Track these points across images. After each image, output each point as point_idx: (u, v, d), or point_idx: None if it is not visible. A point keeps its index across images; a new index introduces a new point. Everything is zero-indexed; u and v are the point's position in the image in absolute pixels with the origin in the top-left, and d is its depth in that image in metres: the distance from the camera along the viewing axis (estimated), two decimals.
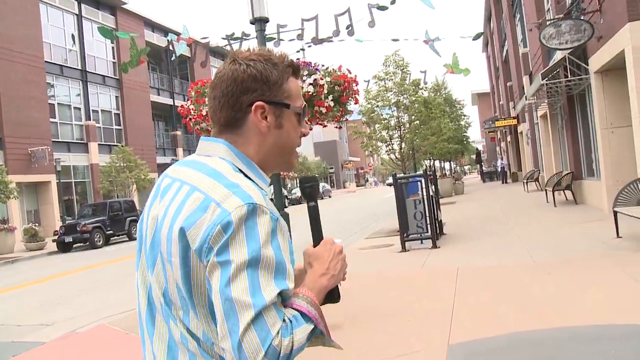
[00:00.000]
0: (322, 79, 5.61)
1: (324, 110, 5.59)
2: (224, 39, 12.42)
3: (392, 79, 18.15)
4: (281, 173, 56.83)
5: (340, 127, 7.49)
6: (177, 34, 10.99)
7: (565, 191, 16.37)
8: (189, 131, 47.80)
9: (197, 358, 1.28)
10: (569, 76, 14.42)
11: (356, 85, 6.17)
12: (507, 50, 35.22)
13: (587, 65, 13.01)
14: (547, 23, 11.69)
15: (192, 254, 1.22)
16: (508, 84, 36.48)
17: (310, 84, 5.51)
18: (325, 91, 5.55)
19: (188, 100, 6.69)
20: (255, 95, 1.36)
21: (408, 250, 10.75)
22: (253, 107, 1.36)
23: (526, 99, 17.33)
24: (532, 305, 5.76)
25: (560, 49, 11.78)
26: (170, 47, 11.63)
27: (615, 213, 9.07)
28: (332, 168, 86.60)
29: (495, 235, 11.35)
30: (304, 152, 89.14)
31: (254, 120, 1.37)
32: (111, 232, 23.65)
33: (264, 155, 1.40)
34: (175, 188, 1.32)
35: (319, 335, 1.29)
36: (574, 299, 5.84)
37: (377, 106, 18.15)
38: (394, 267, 9.22)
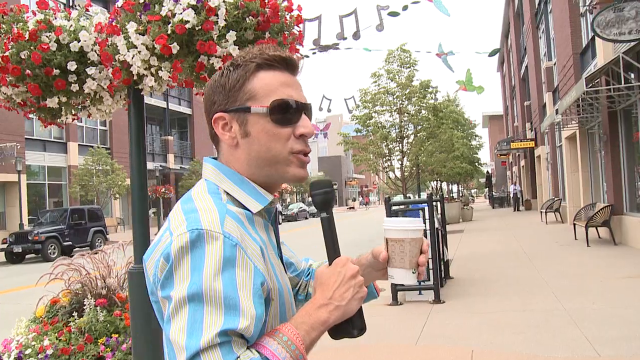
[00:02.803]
0: None
1: (217, 62, 2.69)
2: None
3: (395, 79, 15.10)
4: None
5: None
6: None
7: (598, 227, 13.37)
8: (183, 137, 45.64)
9: None
10: (617, 84, 11.47)
11: (298, 24, 3.17)
12: (526, 67, 32.44)
13: None
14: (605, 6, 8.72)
15: (154, 287, 1.13)
16: (525, 104, 33.65)
17: (189, 5, 2.60)
18: (222, 22, 2.63)
19: None
20: (215, 107, 1.25)
21: (401, 304, 7.83)
22: (212, 120, 1.25)
23: (556, 114, 14.36)
24: None
25: (620, 41, 8.89)
26: None
27: None
28: (336, 184, 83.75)
29: (520, 287, 8.36)
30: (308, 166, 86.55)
31: (218, 134, 1.25)
32: (70, 243, 20.72)
33: (247, 170, 1.24)
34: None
35: None
36: None
37: (375, 111, 15.15)
38: (376, 336, 6.22)
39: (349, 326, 1.17)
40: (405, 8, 10.67)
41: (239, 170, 1.24)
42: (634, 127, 12.72)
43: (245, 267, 1.07)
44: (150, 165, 37.48)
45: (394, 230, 1.28)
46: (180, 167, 41.48)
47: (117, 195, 28.57)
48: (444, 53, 11.97)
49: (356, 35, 11.38)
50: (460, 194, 39.61)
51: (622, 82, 10.34)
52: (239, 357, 1.00)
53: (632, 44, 10.64)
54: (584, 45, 16.66)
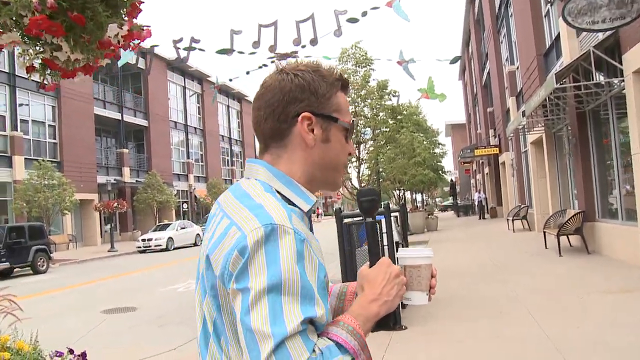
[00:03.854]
0: None
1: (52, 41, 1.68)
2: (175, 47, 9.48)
3: (349, 79, 14.16)
4: None
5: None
6: None
7: (570, 235, 12.59)
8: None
9: None
10: (586, 82, 10.72)
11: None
12: (488, 73, 32.01)
13: (621, 65, 9.34)
14: None
15: (218, 281, 1.17)
16: (488, 110, 33.22)
17: None
18: None
19: None
20: (302, 106, 1.30)
21: None
22: (300, 117, 1.30)
23: (523, 116, 13.59)
24: None
25: (593, 30, 8.08)
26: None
27: None
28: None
29: (491, 306, 7.41)
30: None
31: (299, 132, 1.30)
32: (7, 263, 19.14)
33: (308, 170, 1.33)
34: (216, 214, 1.29)
35: None
36: None
37: None
38: None
39: (389, 319, 1.31)
40: (364, 14, 10.26)
41: (292, 170, 1.31)
42: (604, 128, 12.01)
43: (311, 261, 1.16)
44: (104, 179, 35.74)
45: (411, 258, 1.40)
46: (136, 180, 39.86)
47: (66, 211, 26.90)
48: (405, 61, 11.41)
49: (314, 42, 10.98)
50: (425, 203, 38.95)
51: (593, 78, 9.57)
52: (315, 343, 1.09)
53: (601, 38, 9.91)
54: (547, 46, 16.03)
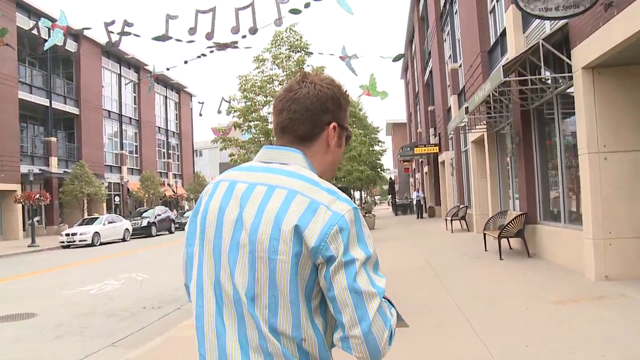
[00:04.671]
0: None
1: None
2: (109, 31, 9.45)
3: (282, 65, 13.15)
4: (168, 193, 49.75)
5: None
6: (53, 20, 9.63)
7: (510, 238, 12.16)
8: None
9: (275, 359, 1.34)
10: (531, 79, 10.23)
11: None
12: (430, 71, 31.81)
13: (570, 60, 8.84)
14: None
15: (306, 252, 1.32)
16: (429, 109, 32.99)
17: None
18: None
19: None
20: (332, 116, 1.53)
21: None
22: (331, 125, 1.53)
23: (466, 113, 13.06)
24: None
25: (546, 18, 7.49)
26: (36, 32, 10.63)
27: None
28: None
29: (429, 317, 6.71)
30: (206, 172, 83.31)
31: (326, 138, 1.53)
32: None
33: (323, 169, 1.55)
34: (262, 191, 1.40)
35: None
36: None
37: (257, 102, 13.11)
38: None
39: None
40: (307, 5, 9.60)
41: (317, 166, 1.52)
42: (548, 127, 11.60)
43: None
44: (29, 169, 33.51)
45: None
46: (64, 171, 37.73)
47: None
48: (347, 56, 11.14)
49: (252, 30, 10.25)
50: (364, 201, 38.49)
51: (542, 73, 9.05)
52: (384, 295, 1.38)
53: (549, 32, 9.42)
54: (492, 43, 15.62)
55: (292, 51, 13.52)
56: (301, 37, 13.87)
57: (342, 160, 2.14)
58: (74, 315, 8.84)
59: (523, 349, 5.11)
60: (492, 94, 11.51)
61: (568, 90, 9.84)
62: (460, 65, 21.80)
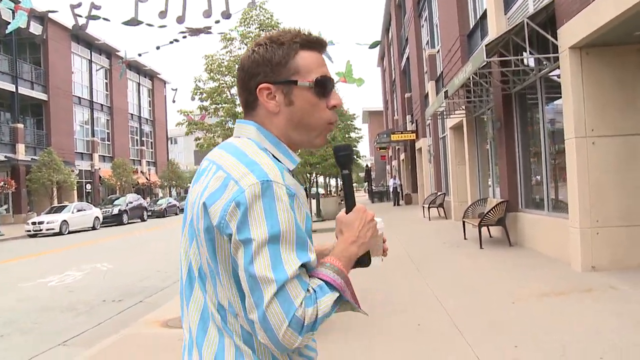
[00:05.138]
0: None
1: None
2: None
3: (250, 44, 12.59)
4: (141, 181, 48.48)
5: None
6: (17, 2, 9.15)
7: (490, 226, 11.78)
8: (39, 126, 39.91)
9: (222, 333, 1.34)
10: (514, 60, 9.81)
11: None
12: (407, 58, 31.36)
13: (557, 40, 8.40)
14: None
15: (215, 229, 1.27)
16: (406, 96, 32.59)
17: None
18: None
19: None
20: (259, 78, 1.42)
21: None
22: (258, 89, 1.42)
23: (445, 97, 12.59)
24: None
25: None
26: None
27: None
28: None
29: (407, 311, 6.27)
30: (181, 159, 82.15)
31: (262, 102, 1.43)
32: None
33: (283, 133, 1.44)
34: (208, 169, 1.38)
35: (347, 302, 1.33)
36: None
37: (225, 84, 12.45)
38: None
39: (365, 258, 1.47)
40: None
41: (274, 134, 1.44)
42: (530, 112, 11.20)
43: (301, 213, 1.29)
44: None
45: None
46: (32, 158, 36.56)
47: None
48: None
49: (225, 14, 9.79)
50: (339, 189, 38.04)
51: (527, 53, 8.60)
52: (309, 284, 1.25)
53: (533, 11, 8.97)
54: (472, 26, 15.19)
55: (262, 30, 12.88)
56: (272, 16, 13.25)
57: (327, 116, 1.69)
58: (26, 310, 8.23)
59: (512, 349, 4.66)
60: (472, 77, 11.07)
61: (552, 73, 9.45)
62: (438, 51, 21.38)
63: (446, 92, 12.33)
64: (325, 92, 1.44)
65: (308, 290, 1.23)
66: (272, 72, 1.41)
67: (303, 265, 1.23)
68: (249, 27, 13.01)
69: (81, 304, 8.52)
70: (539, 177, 10.64)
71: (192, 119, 13.11)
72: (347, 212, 1.46)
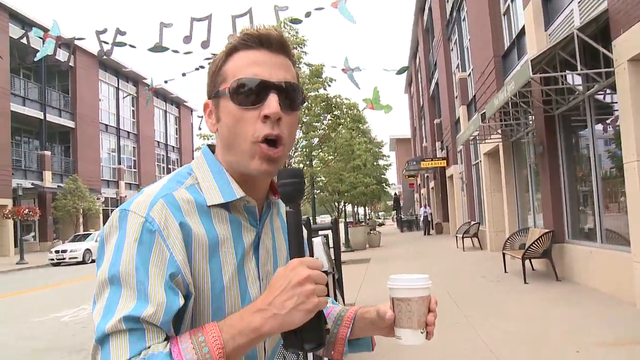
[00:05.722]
0: None
1: None
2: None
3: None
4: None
5: None
6: (45, 30, 9.26)
7: (532, 259, 10.83)
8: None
9: None
10: (557, 79, 9.00)
11: None
12: (436, 83, 30.66)
13: (611, 53, 7.60)
14: None
15: None
16: (435, 122, 31.81)
17: None
18: None
19: None
20: (207, 94, 1.23)
21: None
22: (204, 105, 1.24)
23: (482, 120, 11.78)
24: None
25: None
26: (25, 41, 10.18)
27: None
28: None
29: None
30: None
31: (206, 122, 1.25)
32: None
33: (222, 159, 1.20)
34: None
35: None
36: None
37: None
38: None
39: (297, 338, 1.05)
40: (308, 15, 9.26)
41: (220, 159, 1.20)
42: (576, 133, 10.35)
43: (160, 254, 1.03)
44: (21, 183, 32.15)
45: (400, 289, 1.22)
46: (58, 185, 36.47)
47: None
48: (350, 68, 10.57)
49: None
50: (368, 217, 37.16)
51: (578, 68, 7.80)
52: (148, 347, 0.97)
53: (579, 25, 8.19)
54: (507, 46, 14.43)
55: None
56: (297, 32, 12.64)
57: (254, 131, 1.37)
58: (31, 349, 7.55)
59: None
60: (511, 98, 10.27)
61: (601, 91, 8.63)
62: (470, 74, 20.66)
63: (483, 114, 11.52)
64: (247, 100, 1.12)
65: (139, 353, 0.96)
66: (210, 85, 1.21)
67: (143, 320, 0.97)
68: None
69: (90, 344, 7.82)
70: (588, 205, 9.73)
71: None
72: None
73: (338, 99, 13.33)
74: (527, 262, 10.80)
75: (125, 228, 1.03)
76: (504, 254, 11.86)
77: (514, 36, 13.58)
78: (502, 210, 15.47)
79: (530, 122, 11.94)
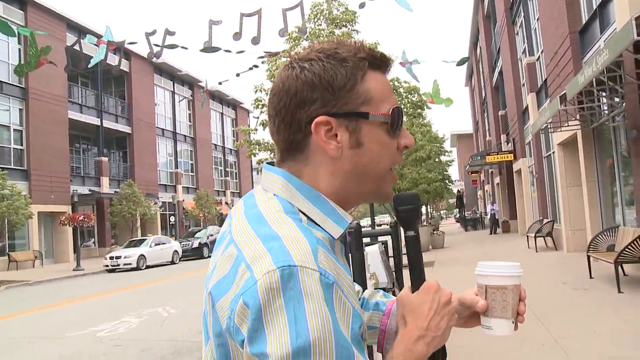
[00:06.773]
0: None
1: None
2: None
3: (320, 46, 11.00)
4: (225, 212, 48.13)
5: None
6: (99, 36, 8.81)
7: (623, 264, 9.21)
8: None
9: None
10: None
11: None
12: (499, 72, 28.77)
13: None
14: None
15: (226, 334, 0.88)
16: (500, 113, 29.92)
17: None
18: None
19: None
20: (315, 109, 0.97)
21: None
22: (313, 124, 0.96)
23: (560, 103, 10.20)
24: None
25: None
26: (77, 48, 9.94)
27: None
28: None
29: None
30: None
31: (317, 142, 0.98)
32: None
33: (341, 185, 1.01)
34: (225, 238, 0.97)
35: None
36: None
37: None
38: None
39: (437, 356, 1.04)
40: (362, 6, 8.67)
41: (321, 186, 1.00)
42: None
43: (344, 309, 0.88)
44: (79, 189, 32.28)
45: (496, 276, 1.11)
46: (115, 191, 36.50)
47: (18, 225, 23.61)
48: (408, 62, 10.05)
49: (303, 31, 9.36)
50: (430, 216, 35.49)
51: None
52: None
53: None
54: (585, 20, 12.75)
55: (336, 26, 11.01)
56: (346, 8, 11.38)
57: (394, 160, 0.98)
58: None
59: None
60: (601, 73, 8.68)
61: None
62: (538, 58, 18.91)
63: (563, 95, 9.95)
64: (398, 129, 1.02)
65: None
66: (334, 99, 0.96)
67: None
68: (319, 24, 11.22)
69: None
70: None
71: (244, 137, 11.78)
72: (412, 291, 1.05)
73: (396, 82, 12.02)
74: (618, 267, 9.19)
75: (299, 288, 0.82)
76: (589, 257, 10.24)
77: (594, 6, 11.90)
78: (581, 206, 13.75)
79: (618, 104, 10.28)
